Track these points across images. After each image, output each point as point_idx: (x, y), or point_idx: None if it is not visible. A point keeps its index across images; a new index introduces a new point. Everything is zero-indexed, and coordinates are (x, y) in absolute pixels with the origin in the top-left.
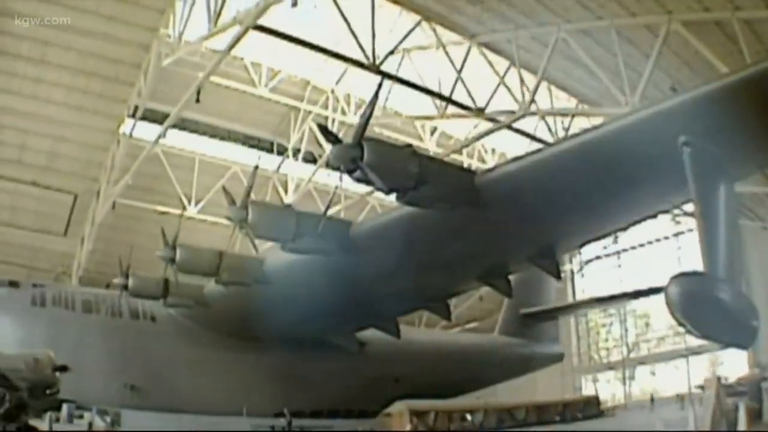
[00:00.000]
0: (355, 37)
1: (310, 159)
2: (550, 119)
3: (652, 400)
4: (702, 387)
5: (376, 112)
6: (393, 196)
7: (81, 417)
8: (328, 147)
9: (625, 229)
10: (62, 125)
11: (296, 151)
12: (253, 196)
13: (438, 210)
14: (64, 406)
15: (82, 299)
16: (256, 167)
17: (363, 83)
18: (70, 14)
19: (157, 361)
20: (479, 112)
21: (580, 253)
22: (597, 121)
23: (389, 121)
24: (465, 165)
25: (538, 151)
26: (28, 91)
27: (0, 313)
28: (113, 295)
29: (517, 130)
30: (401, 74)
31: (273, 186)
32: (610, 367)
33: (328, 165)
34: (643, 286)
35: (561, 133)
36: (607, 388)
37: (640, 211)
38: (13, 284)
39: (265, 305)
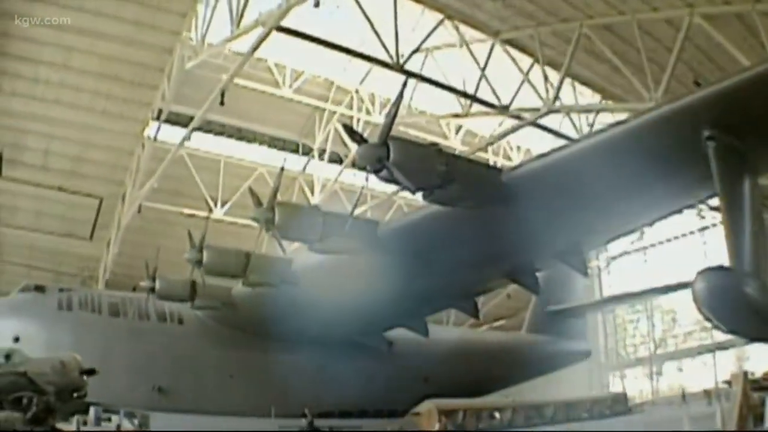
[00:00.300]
0: (379, 36)
1: (336, 159)
2: (574, 115)
3: (683, 395)
4: (728, 382)
5: (401, 111)
6: (419, 195)
7: (109, 420)
8: (353, 147)
9: (651, 224)
10: (86, 130)
11: (322, 152)
12: (279, 197)
13: (465, 208)
14: (92, 409)
15: (109, 302)
16: (282, 168)
17: (387, 83)
18: (92, 19)
19: (185, 363)
20: (504, 109)
21: (606, 250)
22: (621, 116)
23: (414, 120)
24: (491, 163)
25: (564, 147)
26: (52, 97)
27: (27, 318)
28: (140, 298)
29: (542, 127)
30: (425, 73)
31: (299, 187)
32: (638, 363)
33: (354, 165)
34: (670, 282)
35: (586, 129)
36: (635, 385)
37: (666, 206)
38: (39, 289)
39: (293, 306)
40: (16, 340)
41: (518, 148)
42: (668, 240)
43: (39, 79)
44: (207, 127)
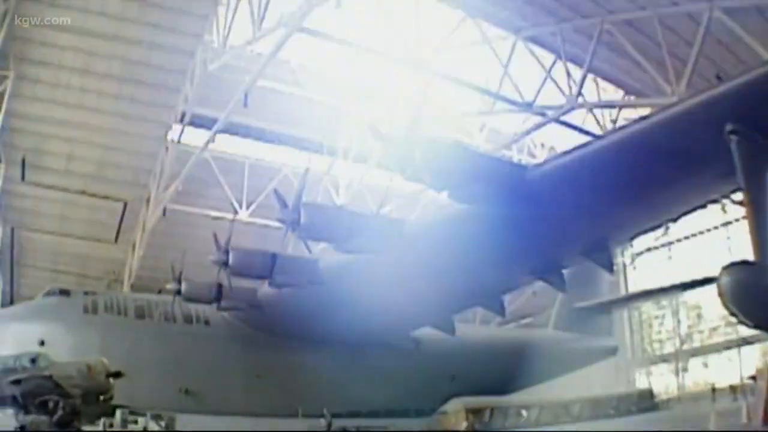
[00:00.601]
0: (400, 35)
1: (361, 159)
2: (597, 111)
3: (713, 390)
4: (754, 378)
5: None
6: (445, 194)
7: (135, 422)
8: (378, 146)
9: (675, 219)
10: (110, 133)
11: (346, 152)
12: (304, 197)
13: (490, 206)
14: (118, 412)
15: (135, 305)
16: (307, 169)
17: (411, 81)
18: (113, 23)
19: (211, 364)
20: (527, 106)
21: (631, 246)
22: (644, 112)
23: (438, 118)
24: (515, 160)
25: (587, 144)
26: (74, 101)
27: (52, 322)
28: (166, 300)
29: (566, 124)
30: (448, 71)
31: (324, 187)
32: (664, 359)
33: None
34: (695, 277)
35: (609, 126)
36: (661, 381)
37: (690, 201)
38: (65, 292)
39: (320, 306)
40: (42, 344)
41: (542, 145)
42: (693, 235)
43: (59, 84)
44: (231, 129)
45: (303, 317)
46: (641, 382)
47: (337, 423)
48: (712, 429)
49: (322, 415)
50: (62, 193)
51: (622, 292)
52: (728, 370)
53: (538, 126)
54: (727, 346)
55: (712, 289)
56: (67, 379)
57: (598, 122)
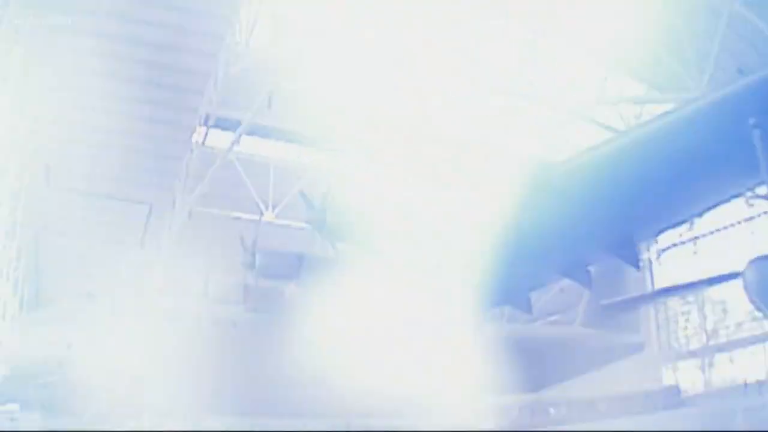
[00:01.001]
0: (424, 34)
1: (386, 159)
2: (621, 107)
3: (746, 385)
4: None
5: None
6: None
7: (162, 424)
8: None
9: (701, 215)
10: (133, 136)
11: (371, 152)
12: (330, 198)
13: (514, 202)
14: (145, 413)
15: (162, 308)
16: (333, 170)
17: (436, 80)
18: (135, 27)
19: (240, 366)
20: (550, 102)
21: (656, 242)
22: (667, 107)
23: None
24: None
25: (611, 139)
26: (97, 105)
27: (79, 325)
28: (193, 302)
29: (589, 119)
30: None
31: (350, 187)
32: (690, 355)
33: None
34: (720, 272)
35: (632, 121)
36: (687, 377)
37: (715, 196)
38: (91, 296)
39: (346, 307)
40: (68, 347)
41: (565, 141)
42: (718, 230)
43: (82, 88)
44: (255, 131)
45: (329, 318)
46: (668, 378)
47: (361, 422)
48: (738, 425)
49: (340, 416)
50: (87, 197)
51: (648, 289)
52: (754, 365)
53: (561, 122)
54: (753, 341)
55: (737, 284)
56: (93, 382)
57: (621, 117)
